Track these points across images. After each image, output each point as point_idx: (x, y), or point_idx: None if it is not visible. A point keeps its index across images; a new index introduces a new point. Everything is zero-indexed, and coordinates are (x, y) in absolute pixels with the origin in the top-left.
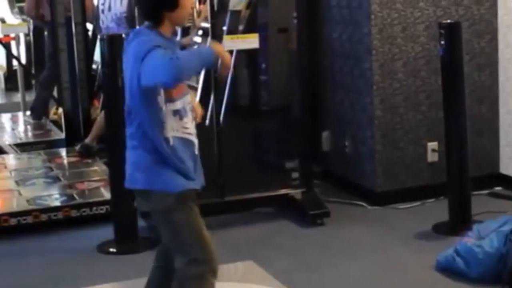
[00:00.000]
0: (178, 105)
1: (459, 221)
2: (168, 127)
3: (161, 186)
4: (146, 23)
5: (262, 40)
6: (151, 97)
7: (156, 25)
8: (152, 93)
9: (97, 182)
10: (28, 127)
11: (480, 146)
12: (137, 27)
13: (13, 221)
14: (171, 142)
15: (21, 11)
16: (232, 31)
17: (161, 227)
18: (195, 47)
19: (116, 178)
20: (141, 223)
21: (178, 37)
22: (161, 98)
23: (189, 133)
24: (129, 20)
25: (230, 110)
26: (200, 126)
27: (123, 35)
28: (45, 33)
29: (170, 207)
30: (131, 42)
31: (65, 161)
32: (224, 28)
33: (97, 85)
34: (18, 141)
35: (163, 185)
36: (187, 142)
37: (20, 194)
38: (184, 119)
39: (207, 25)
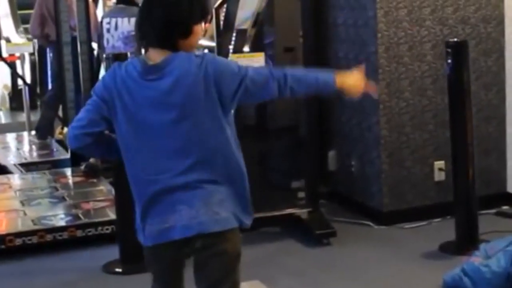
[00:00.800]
0: None
1: (466, 241)
2: None
3: (249, 220)
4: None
5: (268, 59)
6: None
7: (171, 52)
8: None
9: (102, 202)
10: (33, 146)
11: (487, 165)
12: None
13: (18, 241)
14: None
15: (26, 30)
16: (238, 50)
17: (222, 275)
18: None
19: (121, 197)
20: None
21: None
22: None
23: None
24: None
25: (236, 130)
26: None
27: (129, 54)
28: (48, 52)
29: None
30: (186, 64)
31: (70, 181)
32: (230, 47)
33: None
34: (23, 160)
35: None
36: None
37: (25, 214)
38: None
39: (212, 43)
